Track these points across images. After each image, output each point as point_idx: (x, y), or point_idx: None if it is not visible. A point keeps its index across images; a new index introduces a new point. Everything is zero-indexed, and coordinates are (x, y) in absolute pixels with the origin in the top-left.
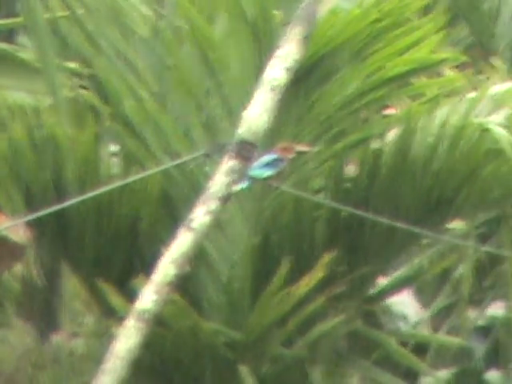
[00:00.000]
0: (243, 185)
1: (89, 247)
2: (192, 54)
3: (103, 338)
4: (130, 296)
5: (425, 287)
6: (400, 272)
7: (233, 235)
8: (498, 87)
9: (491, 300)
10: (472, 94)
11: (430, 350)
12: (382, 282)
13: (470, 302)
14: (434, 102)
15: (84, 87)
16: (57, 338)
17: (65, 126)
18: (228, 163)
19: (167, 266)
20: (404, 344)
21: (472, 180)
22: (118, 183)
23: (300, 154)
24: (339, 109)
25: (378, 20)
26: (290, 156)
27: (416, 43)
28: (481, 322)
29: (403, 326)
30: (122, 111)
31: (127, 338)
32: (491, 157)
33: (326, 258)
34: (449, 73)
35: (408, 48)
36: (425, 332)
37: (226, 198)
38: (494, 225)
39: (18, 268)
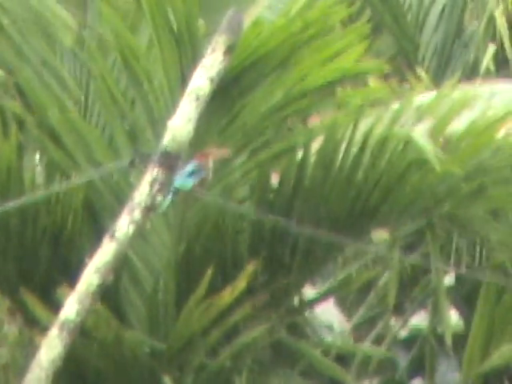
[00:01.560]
0: (167, 196)
1: (12, 257)
2: (116, 64)
3: (26, 347)
4: (54, 306)
5: (349, 297)
6: (324, 282)
7: (157, 245)
8: (422, 97)
9: (415, 310)
10: (396, 104)
11: (354, 361)
12: (306, 292)
13: (394, 312)
14: (358, 111)
15: (9, 96)
16: None
17: None
18: (152, 173)
19: (91, 275)
20: (328, 354)
21: (396, 190)
22: (41, 192)
23: (220, 161)
24: (263, 119)
25: (301, 30)
26: (210, 162)
27: (340, 53)
28: (404, 333)
29: (327, 336)
30: (46, 120)
31: (50, 348)
32: (416, 167)
33: (249, 268)
34: (373, 83)
35: (332, 57)
36: (349, 342)
37: (150, 208)
38: (419, 235)
39: None
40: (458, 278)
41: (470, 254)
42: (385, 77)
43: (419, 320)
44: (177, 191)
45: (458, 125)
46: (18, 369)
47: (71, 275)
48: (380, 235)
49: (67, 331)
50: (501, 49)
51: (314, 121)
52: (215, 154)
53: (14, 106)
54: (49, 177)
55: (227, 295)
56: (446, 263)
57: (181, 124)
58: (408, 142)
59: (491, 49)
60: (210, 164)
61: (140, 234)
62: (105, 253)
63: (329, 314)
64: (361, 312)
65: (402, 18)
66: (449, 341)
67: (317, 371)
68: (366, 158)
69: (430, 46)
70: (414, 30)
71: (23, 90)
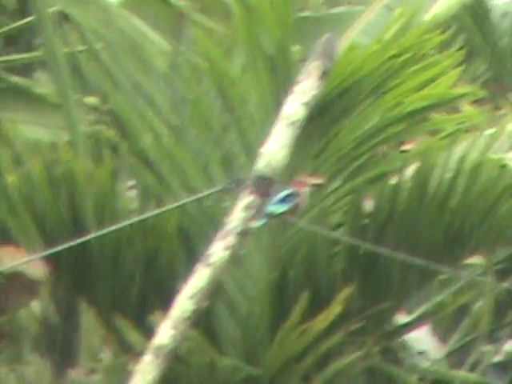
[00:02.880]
0: (260, 221)
1: (106, 282)
2: (210, 89)
3: (121, 373)
4: (147, 332)
5: (443, 323)
6: (419, 308)
7: (251, 271)
8: None
9: (510, 336)
10: (490, 130)
11: None
12: (401, 317)
13: (488, 338)
14: (453, 137)
15: (102, 122)
16: (74, 374)
17: (82, 162)
18: (246, 199)
19: (185, 301)
20: (424, 380)
21: (490, 216)
22: (135, 218)
23: (314, 186)
24: (358, 144)
25: (396, 55)
26: (305, 190)
27: (434, 79)
28: (499, 358)
29: (422, 363)
30: (140, 146)
31: (144, 374)
32: (510, 193)
33: (344, 293)
34: (467, 108)
35: (426, 83)
36: (444, 368)
37: (243, 234)
38: None
39: (35, 304)
40: None
41: None
42: (479, 102)
43: None
44: (269, 216)
45: None
46: None
47: (165, 301)
48: (474, 260)
49: (161, 357)
50: None
51: (409, 146)
52: (310, 181)
53: (108, 132)
54: (143, 203)
55: (321, 321)
56: None
57: (275, 150)
58: (502, 168)
59: None
60: (306, 191)
61: (234, 259)
62: (199, 278)
63: (424, 341)
64: (455, 338)
65: (496, 42)
66: None
67: None
68: (461, 183)
69: None
70: (509, 55)
71: (117, 116)
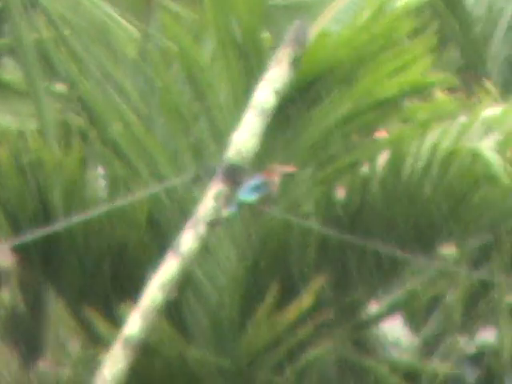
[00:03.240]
0: (232, 210)
1: (75, 272)
2: (179, 76)
3: (89, 365)
4: (117, 322)
5: (415, 313)
6: (391, 298)
7: (221, 260)
8: (489, 111)
9: (482, 327)
10: (463, 118)
11: (421, 378)
12: (373, 307)
13: (460, 328)
14: (425, 125)
15: (71, 110)
16: (42, 366)
17: (51, 150)
18: (216, 187)
19: (154, 291)
20: (395, 371)
21: (463, 205)
22: (104, 207)
23: (286, 175)
24: (329, 133)
25: (368, 42)
26: (276, 178)
27: (406, 66)
28: (472, 349)
29: (394, 353)
30: (109, 134)
31: (113, 365)
32: (483, 181)
33: (315, 283)
34: (440, 96)
35: (398, 71)
36: (416, 359)
37: (214, 223)
38: (486, 250)
39: (2, 293)
40: None
41: None
42: (452, 90)
43: (487, 336)
44: (240, 204)
45: None
46: None
47: (135, 291)
48: (447, 250)
49: (130, 348)
50: None
51: (381, 135)
52: (281, 170)
53: (77, 120)
54: (112, 192)
55: (292, 311)
56: None
57: (245, 138)
58: (475, 156)
59: None
60: (277, 180)
61: (204, 248)
62: (168, 268)
63: (396, 331)
64: (427, 329)
65: (469, 29)
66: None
67: None
68: (433, 172)
69: (497, 58)
70: (482, 42)
71: (86, 104)
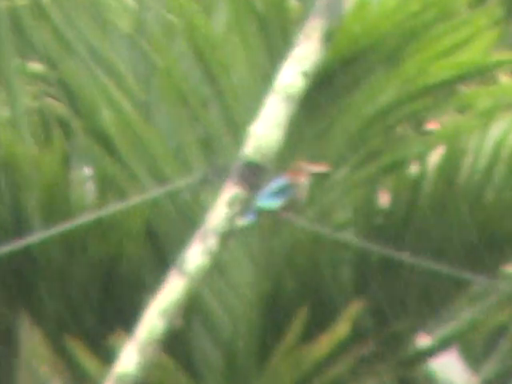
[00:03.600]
0: (249, 219)
1: (55, 295)
2: (186, 55)
3: None
4: (107, 357)
5: (475, 347)
6: (444, 328)
7: (236, 281)
8: None
9: None
10: None
11: None
12: (422, 340)
13: None
14: (488, 116)
15: (50, 95)
16: None
17: (26, 144)
18: (230, 191)
19: (154, 319)
20: None
21: None
22: (92, 215)
23: (316, 176)
24: (369, 124)
25: (418, 13)
26: (304, 180)
27: (465, 42)
28: None
29: None
30: (99, 125)
31: None
32: None
33: (353, 309)
34: (505, 80)
35: (455, 48)
36: None
37: (227, 235)
38: None
39: None
40: None
41: None
42: None
43: None
44: (260, 213)
45: None
46: None
47: (129, 319)
48: None
49: None
50: None
51: (432, 127)
52: (310, 168)
53: (57, 107)
54: (102, 196)
55: (325, 344)
56: None
57: (266, 130)
58: None
59: None
60: (304, 181)
61: (216, 267)
62: (172, 291)
63: (450, 370)
64: (489, 366)
65: None
66: None
67: None
68: (498, 173)
69: None
70: None
71: (69, 88)
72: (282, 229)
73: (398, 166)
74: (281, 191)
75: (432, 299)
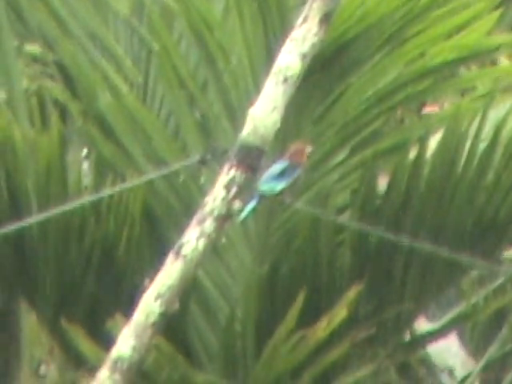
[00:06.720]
0: (250, 203)
1: (52, 279)
2: (183, 37)
3: None
4: (104, 341)
5: (475, 332)
6: (444, 313)
7: (234, 264)
8: None
9: None
10: None
11: None
12: (421, 324)
13: None
14: (488, 98)
15: (47, 76)
16: None
17: (23, 126)
18: (229, 173)
19: (151, 302)
20: None
21: None
22: (89, 198)
23: (314, 159)
24: (369, 106)
25: None
26: (304, 161)
27: (466, 24)
28: None
29: (448, 381)
30: (96, 107)
31: None
32: None
33: (351, 293)
34: (506, 62)
35: (456, 30)
36: None
37: (225, 218)
38: None
39: None
40: None
41: None
42: None
43: None
44: (261, 197)
45: None
46: None
47: (126, 302)
48: None
49: (121, 372)
50: None
51: (432, 110)
52: (308, 152)
53: (54, 89)
54: (98, 178)
55: (322, 328)
56: None
57: (265, 112)
58: None
59: None
60: (305, 163)
61: (213, 250)
62: (169, 274)
63: (450, 354)
64: (490, 351)
65: None
66: None
67: None
68: (497, 156)
69: None
70: None
71: (66, 70)
72: (279, 212)
73: (397, 150)
74: (282, 174)
75: (431, 283)
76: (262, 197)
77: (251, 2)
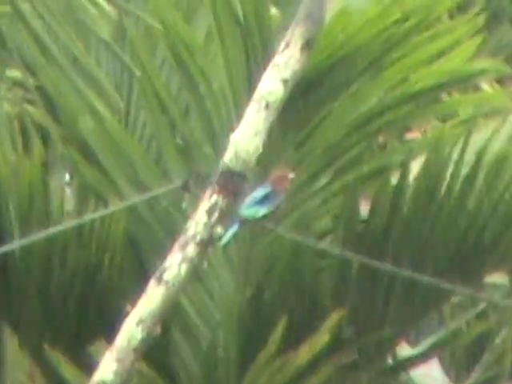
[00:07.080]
0: (231, 228)
1: (35, 304)
2: (166, 62)
3: None
4: (86, 365)
5: (457, 357)
6: (426, 338)
7: (216, 289)
8: None
9: None
10: None
11: None
12: (404, 349)
13: None
14: (470, 124)
15: (30, 101)
16: None
17: (5, 151)
18: (211, 198)
19: (132, 327)
20: None
21: None
22: (72, 223)
23: (296, 184)
24: (350, 131)
25: (400, 21)
26: (287, 187)
27: (447, 50)
28: None
29: None
30: (78, 132)
31: None
32: None
33: (333, 318)
34: (488, 88)
35: (437, 56)
36: None
37: (208, 243)
38: None
39: None
40: None
41: None
42: (502, 80)
43: None
44: (243, 222)
45: None
46: None
47: (108, 327)
48: (497, 279)
49: None
50: None
51: (414, 135)
52: (290, 177)
53: (36, 114)
54: (81, 203)
55: (305, 353)
56: None
57: (247, 137)
58: None
59: None
60: (287, 188)
61: (195, 275)
62: (151, 299)
63: (433, 379)
64: (473, 376)
65: None
66: None
67: None
68: (479, 181)
69: None
70: None
71: (48, 95)
72: (261, 237)
73: (379, 174)
74: (264, 199)
75: (413, 308)
76: (244, 222)
77: (233, 27)
